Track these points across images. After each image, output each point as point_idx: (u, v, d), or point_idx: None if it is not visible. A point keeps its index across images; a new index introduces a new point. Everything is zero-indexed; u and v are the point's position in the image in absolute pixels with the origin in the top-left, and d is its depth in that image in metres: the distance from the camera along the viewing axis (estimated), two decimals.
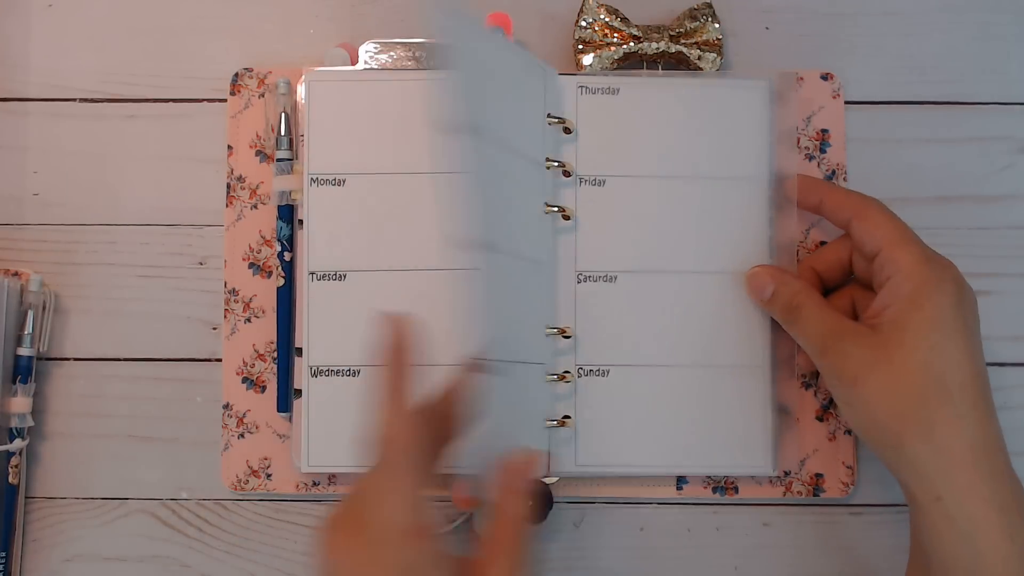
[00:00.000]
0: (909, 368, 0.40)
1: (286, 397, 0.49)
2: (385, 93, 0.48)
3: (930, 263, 0.42)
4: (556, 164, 0.48)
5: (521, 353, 0.46)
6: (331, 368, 0.47)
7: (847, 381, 0.42)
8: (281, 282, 0.49)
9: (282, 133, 0.49)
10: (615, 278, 0.48)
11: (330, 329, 0.48)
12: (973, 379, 0.40)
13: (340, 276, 0.48)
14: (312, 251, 0.48)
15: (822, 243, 0.49)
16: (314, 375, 0.47)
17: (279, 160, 0.49)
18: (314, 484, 0.49)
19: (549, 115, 0.48)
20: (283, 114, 0.49)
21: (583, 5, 0.50)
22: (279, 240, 0.49)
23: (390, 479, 0.36)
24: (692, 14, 0.49)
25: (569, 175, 0.48)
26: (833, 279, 0.47)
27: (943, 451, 0.40)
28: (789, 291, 0.45)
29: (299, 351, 0.48)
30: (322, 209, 0.48)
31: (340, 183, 0.48)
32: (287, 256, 0.49)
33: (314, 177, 0.48)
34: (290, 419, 0.49)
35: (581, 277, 0.48)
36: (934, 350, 0.40)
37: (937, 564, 0.40)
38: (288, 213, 0.49)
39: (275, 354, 0.49)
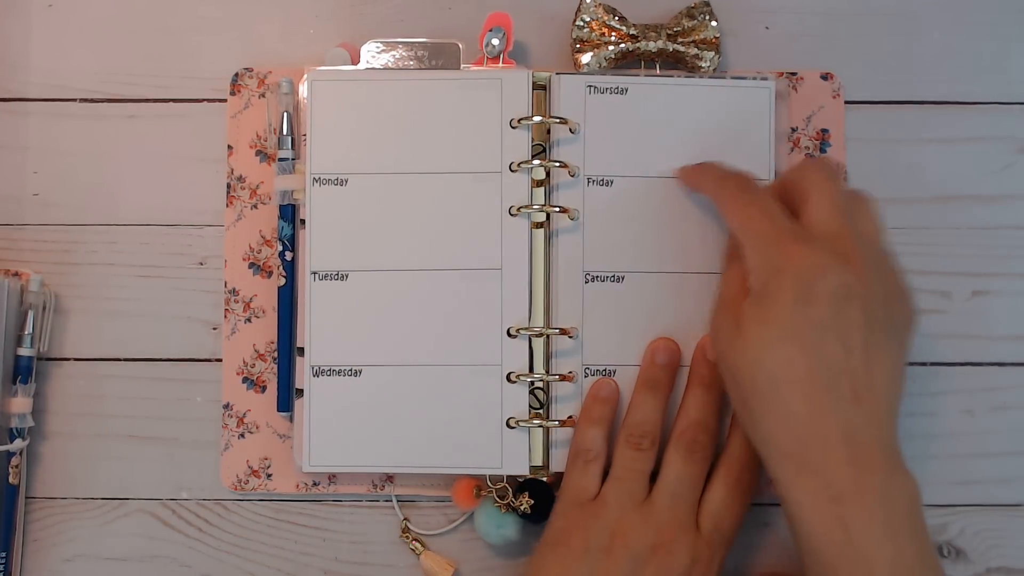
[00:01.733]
0: (745, 360, 0.40)
1: (287, 397, 0.49)
2: (388, 93, 0.48)
3: (774, 258, 0.40)
4: (557, 164, 0.48)
5: (470, 357, 0.47)
6: (332, 368, 0.47)
7: (717, 352, 0.43)
8: (282, 282, 0.49)
9: (284, 133, 0.49)
10: (622, 278, 0.48)
11: (331, 329, 0.48)
12: (809, 374, 0.39)
13: (342, 276, 0.48)
14: (314, 251, 0.48)
15: None
16: (316, 375, 0.47)
17: (281, 160, 0.49)
18: (314, 484, 0.49)
19: (551, 115, 0.48)
20: (285, 113, 0.49)
21: (580, 4, 0.50)
22: (280, 240, 0.49)
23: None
24: (690, 13, 0.50)
25: (574, 175, 0.48)
26: None
27: (770, 441, 0.40)
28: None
29: (300, 351, 0.48)
30: (324, 209, 0.48)
31: (342, 183, 0.48)
32: (288, 256, 0.49)
33: (316, 177, 0.48)
34: (291, 419, 0.49)
35: (588, 277, 0.48)
36: (767, 348, 0.40)
37: (793, 539, 0.41)
38: (290, 213, 0.49)
39: (275, 354, 0.49)
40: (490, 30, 0.49)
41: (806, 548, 0.40)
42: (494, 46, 0.49)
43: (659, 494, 0.44)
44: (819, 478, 0.39)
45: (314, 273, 0.48)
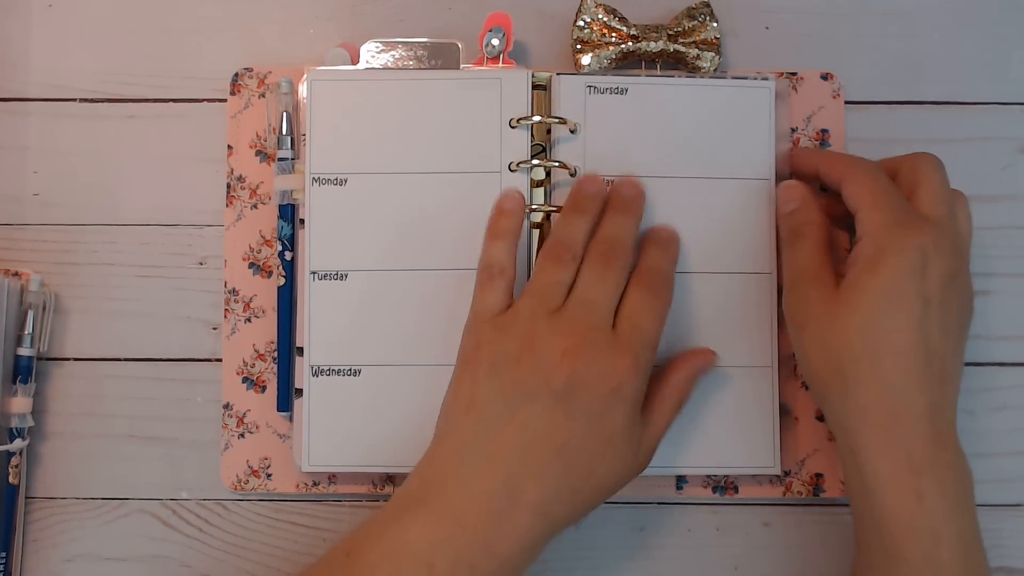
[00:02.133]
0: (848, 327, 0.41)
1: (287, 396, 0.49)
2: (387, 93, 0.48)
3: (896, 228, 0.41)
4: (556, 164, 0.48)
5: (445, 356, 0.46)
6: (332, 367, 0.47)
7: (798, 324, 0.43)
8: (282, 281, 0.49)
9: (283, 132, 0.49)
10: None
11: (331, 328, 0.48)
12: (913, 347, 0.40)
13: (341, 276, 0.48)
14: (313, 250, 0.48)
15: None
16: (315, 374, 0.47)
17: (280, 159, 0.49)
18: (314, 484, 0.49)
19: (551, 115, 0.48)
20: (285, 113, 0.49)
21: (581, 5, 0.50)
22: (280, 240, 0.49)
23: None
24: (690, 13, 0.50)
25: (574, 175, 0.48)
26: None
27: (860, 410, 0.41)
28: (805, 217, 0.45)
29: (300, 350, 0.48)
30: (324, 208, 0.48)
31: (342, 182, 0.48)
32: (288, 256, 0.49)
33: (316, 176, 0.48)
34: (290, 419, 0.49)
35: None
36: (875, 316, 0.41)
37: (854, 512, 0.42)
38: (289, 213, 0.49)
39: (275, 354, 0.49)
40: (490, 30, 0.49)
41: (875, 519, 0.40)
42: (494, 46, 0.49)
43: (573, 302, 0.43)
44: (903, 450, 0.40)
45: (313, 273, 0.48)
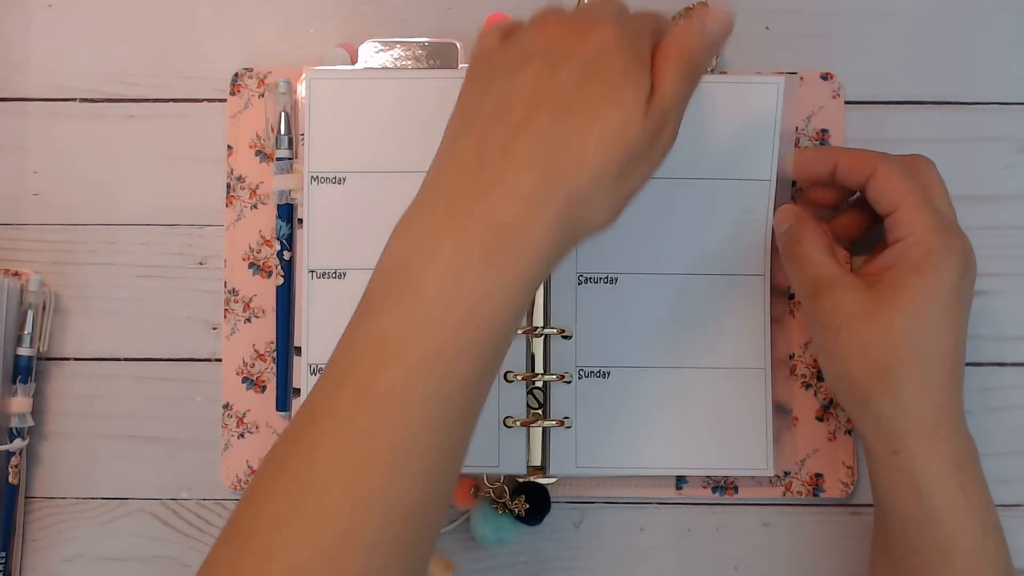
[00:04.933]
0: (893, 329, 0.41)
1: (285, 396, 0.49)
2: (385, 92, 0.48)
3: (943, 233, 0.42)
4: None
5: None
6: None
7: (831, 329, 0.42)
8: (281, 281, 0.49)
9: (282, 132, 0.49)
10: (616, 280, 0.48)
11: (330, 328, 0.47)
12: (952, 351, 0.41)
13: (340, 274, 0.48)
14: (312, 249, 0.48)
15: None
16: (313, 373, 0.47)
17: (279, 159, 0.49)
18: None
19: None
20: (283, 113, 0.49)
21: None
22: (278, 239, 0.49)
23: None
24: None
25: None
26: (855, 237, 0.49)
27: (907, 411, 0.41)
28: (803, 228, 0.45)
29: (298, 350, 0.48)
30: (322, 207, 0.48)
31: (340, 181, 0.48)
32: (287, 255, 0.49)
33: (314, 175, 0.48)
34: (289, 418, 0.49)
35: (582, 279, 0.48)
36: (922, 318, 0.41)
37: (894, 518, 0.42)
38: (288, 212, 0.49)
39: (275, 354, 0.49)
40: None
41: (926, 519, 0.40)
42: None
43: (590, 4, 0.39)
44: (947, 446, 0.41)
45: (312, 271, 0.48)
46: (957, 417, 0.41)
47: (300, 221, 0.48)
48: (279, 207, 0.49)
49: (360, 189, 0.48)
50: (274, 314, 0.49)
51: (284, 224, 0.49)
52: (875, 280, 0.42)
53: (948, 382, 0.41)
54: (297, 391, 0.48)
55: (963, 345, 0.42)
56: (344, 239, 0.48)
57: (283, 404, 0.49)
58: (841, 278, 0.43)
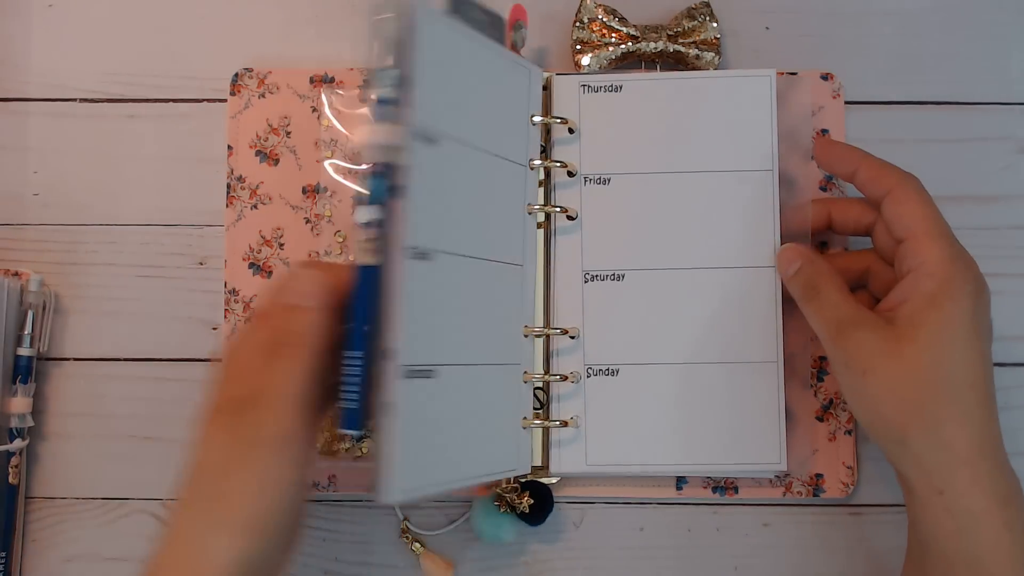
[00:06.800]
0: (920, 365, 0.40)
1: (362, 408, 0.37)
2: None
3: (955, 262, 0.41)
4: (558, 164, 0.48)
5: (490, 356, 0.45)
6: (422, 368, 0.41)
7: (857, 371, 0.42)
8: (369, 261, 0.37)
9: (393, 65, 0.38)
10: (623, 276, 0.48)
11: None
12: (982, 380, 0.41)
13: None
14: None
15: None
16: (408, 377, 0.39)
17: (382, 101, 0.38)
18: (314, 485, 0.49)
19: (552, 115, 0.48)
20: (395, 43, 0.38)
21: (581, 5, 0.50)
22: (370, 204, 0.37)
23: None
24: (690, 13, 0.50)
25: (573, 175, 0.48)
26: (849, 283, 0.46)
27: (947, 447, 0.40)
28: (813, 270, 0.45)
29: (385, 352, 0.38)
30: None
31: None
32: (374, 231, 0.37)
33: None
34: (363, 436, 0.48)
35: (588, 277, 0.48)
36: (947, 350, 0.40)
37: (937, 557, 0.40)
38: (386, 177, 0.37)
39: (344, 358, 0.38)
40: (515, 22, 0.48)
41: (971, 558, 0.39)
42: (523, 36, 0.48)
43: None
44: (992, 481, 0.40)
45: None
46: (998, 450, 0.41)
47: (395, 189, 0.38)
48: (374, 170, 0.37)
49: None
50: None
51: (383, 190, 0.37)
52: (892, 316, 0.42)
53: (984, 412, 0.40)
54: (385, 404, 0.37)
55: (991, 374, 0.41)
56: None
57: (353, 421, 0.37)
58: (862, 317, 0.42)
